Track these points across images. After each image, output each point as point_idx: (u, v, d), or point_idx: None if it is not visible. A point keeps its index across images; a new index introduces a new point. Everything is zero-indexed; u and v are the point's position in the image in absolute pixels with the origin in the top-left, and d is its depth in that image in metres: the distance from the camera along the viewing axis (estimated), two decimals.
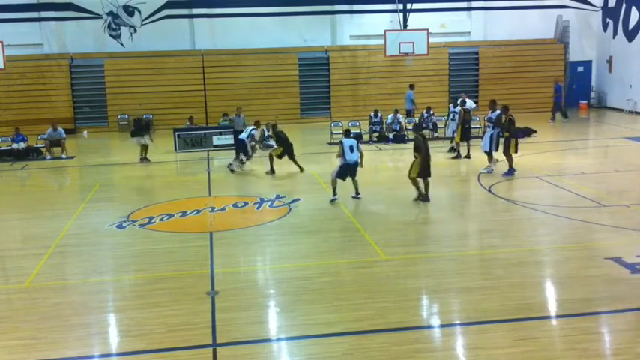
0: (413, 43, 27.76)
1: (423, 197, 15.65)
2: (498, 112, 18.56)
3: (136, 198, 17.11)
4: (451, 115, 22.41)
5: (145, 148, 22.02)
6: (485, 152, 18.81)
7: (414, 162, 15.63)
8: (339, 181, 15.88)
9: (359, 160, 15.87)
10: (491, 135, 18.50)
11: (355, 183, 15.98)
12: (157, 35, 29.62)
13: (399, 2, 28.91)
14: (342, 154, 15.82)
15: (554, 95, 29.23)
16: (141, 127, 22.20)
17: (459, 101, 22.04)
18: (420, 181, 15.65)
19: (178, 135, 24.15)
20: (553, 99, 29.27)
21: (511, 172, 18.21)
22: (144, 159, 21.98)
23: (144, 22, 29.59)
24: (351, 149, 15.76)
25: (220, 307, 9.88)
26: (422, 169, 15.50)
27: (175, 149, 23.95)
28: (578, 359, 8.09)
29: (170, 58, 30.04)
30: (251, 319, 9.50)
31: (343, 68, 30.91)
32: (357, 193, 16.01)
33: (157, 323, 9.35)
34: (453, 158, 21.12)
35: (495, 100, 19.09)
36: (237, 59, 30.30)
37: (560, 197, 16.11)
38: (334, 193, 15.88)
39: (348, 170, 15.87)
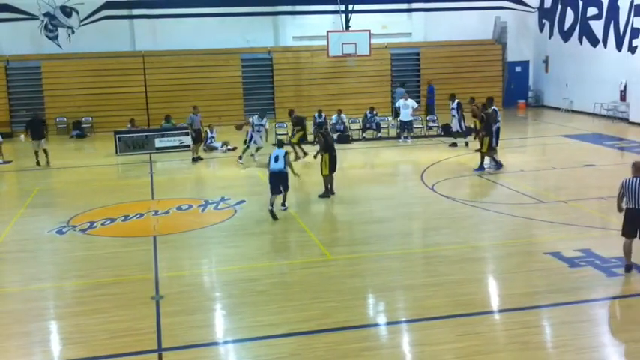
0: (355, 43, 27.90)
1: (331, 193, 16.25)
2: (494, 108, 19.18)
3: (77, 203, 16.72)
4: (451, 112, 22.91)
5: (45, 152, 21.48)
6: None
7: (321, 160, 16.13)
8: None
9: (284, 170, 15.02)
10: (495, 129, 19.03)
11: (283, 195, 15.27)
12: (95, 36, 29.00)
13: (340, 3, 29.04)
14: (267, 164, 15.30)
15: (427, 97, 29.22)
16: (38, 128, 21.52)
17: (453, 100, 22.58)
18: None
19: (119, 138, 23.70)
20: (426, 101, 29.24)
21: (481, 168, 18.60)
22: (47, 163, 21.45)
23: (82, 23, 28.95)
24: (276, 159, 15.05)
25: (165, 311, 9.76)
26: (331, 166, 16.08)
27: (116, 152, 23.49)
28: (519, 352, 8.28)
29: (110, 59, 29.45)
30: (197, 322, 9.43)
31: (286, 69, 30.86)
32: (282, 204, 15.29)
33: (100, 330, 9.18)
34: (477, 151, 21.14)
35: (492, 98, 19.64)
36: (179, 60, 29.93)
37: (500, 194, 16.47)
38: (270, 203, 15.08)
39: (271, 180, 15.09)
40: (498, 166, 18.78)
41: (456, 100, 22.99)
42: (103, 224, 14.54)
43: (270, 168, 15.11)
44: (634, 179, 10.39)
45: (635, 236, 10.52)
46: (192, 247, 13.00)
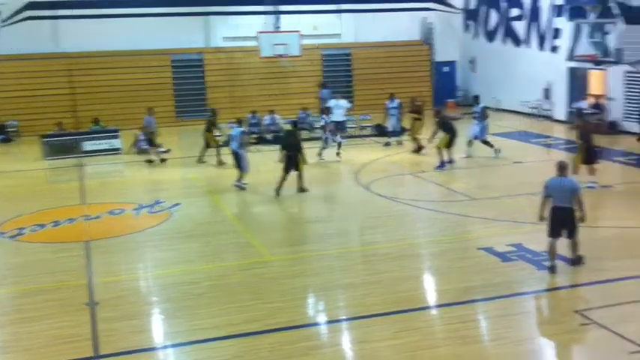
0: (286, 44, 27.93)
1: (301, 190, 16.69)
2: (482, 105, 20.91)
3: (4, 209, 16.13)
4: (390, 111, 22.91)
5: None
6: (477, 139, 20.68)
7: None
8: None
9: (236, 150, 17.05)
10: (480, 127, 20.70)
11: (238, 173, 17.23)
12: (19, 38, 27.95)
13: (271, 4, 28.98)
14: None
15: (321, 99, 28.79)
16: None
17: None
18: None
19: (46, 142, 23.03)
20: (321, 104, 28.27)
21: (442, 165, 19.06)
22: None
23: (4, 24, 27.94)
24: (233, 138, 17.29)
25: (102, 317, 9.56)
26: (287, 165, 16.55)
27: (44, 156, 22.81)
28: (457, 347, 8.45)
29: (34, 61, 28.49)
30: (135, 328, 9.27)
31: (219, 70, 30.58)
32: (238, 181, 17.20)
33: (34, 338, 8.93)
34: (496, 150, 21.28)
35: (478, 96, 21.63)
36: (106, 62, 29.23)
37: (434, 192, 16.79)
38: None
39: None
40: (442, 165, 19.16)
41: (397, 100, 23.21)
42: (32, 230, 14.10)
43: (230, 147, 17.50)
44: (558, 178, 10.66)
45: (560, 236, 10.70)
46: (127, 252, 12.75)
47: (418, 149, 21.66)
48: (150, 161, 21.37)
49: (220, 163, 20.42)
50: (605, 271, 10.82)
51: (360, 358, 8.41)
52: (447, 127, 19.32)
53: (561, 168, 10.78)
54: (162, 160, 21.38)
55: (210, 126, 21.19)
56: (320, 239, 13.08)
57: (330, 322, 9.46)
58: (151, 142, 21.60)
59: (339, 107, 24.37)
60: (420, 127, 22.00)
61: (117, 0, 27.97)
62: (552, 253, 10.78)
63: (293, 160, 16.51)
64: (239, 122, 18.03)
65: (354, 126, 25.88)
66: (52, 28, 29.17)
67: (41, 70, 28.42)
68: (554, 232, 10.74)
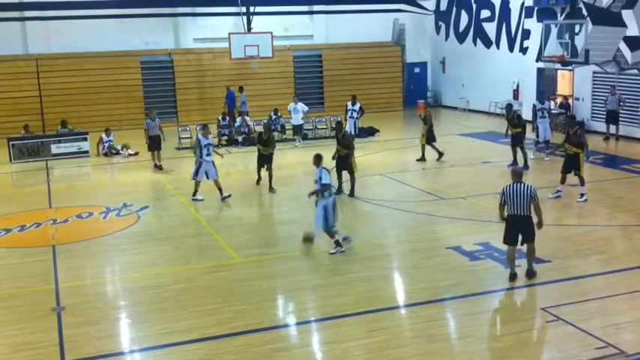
0: (258, 45, 27.82)
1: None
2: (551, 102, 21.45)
3: None
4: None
5: None
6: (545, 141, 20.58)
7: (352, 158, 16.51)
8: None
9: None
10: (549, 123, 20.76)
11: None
12: None
13: (242, 5, 28.89)
14: None
15: (226, 102, 28.21)
16: None
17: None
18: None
19: (13, 144, 22.69)
20: (226, 106, 27.89)
21: (526, 166, 18.84)
22: None
23: None
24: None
25: (68, 322, 9.45)
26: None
27: (10, 160, 22.47)
28: (426, 345, 8.51)
29: (0, 63, 28.12)
30: (102, 332, 9.17)
31: (189, 71, 30.40)
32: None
33: (0, 344, 8.79)
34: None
35: (543, 92, 22.13)
36: (75, 63, 28.88)
37: (403, 192, 16.84)
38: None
39: None
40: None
41: (358, 103, 23.23)
42: None
43: None
44: (514, 185, 10.27)
45: (517, 243, 10.41)
46: (94, 256, 12.61)
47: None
48: (159, 167, 20.59)
49: None
50: (570, 268, 11.00)
51: (329, 359, 8.41)
52: (520, 122, 19.24)
53: (516, 175, 10.48)
54: (158, 167, 20.55)
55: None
56: (288, 241, 13.04)
57: (299, 323, 9.46)
58: (150, 147, 20.70)
59: (297, 111, 24.38)
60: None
61: (85, 1, 27.68)
62: (511, 260, 10.54)
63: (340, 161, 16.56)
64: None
65: (312, 128, 25.90)
66: (20, 30, 28.78)
67: (8, 72, 28.00)
68: (510, 240, 10.45)
